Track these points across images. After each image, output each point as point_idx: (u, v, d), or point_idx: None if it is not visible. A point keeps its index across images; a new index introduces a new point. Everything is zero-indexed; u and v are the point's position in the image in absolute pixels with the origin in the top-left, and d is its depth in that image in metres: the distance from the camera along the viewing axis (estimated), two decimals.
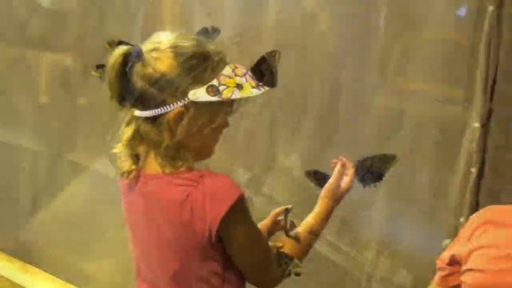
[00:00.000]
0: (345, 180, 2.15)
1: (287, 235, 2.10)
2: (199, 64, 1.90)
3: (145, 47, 1.94)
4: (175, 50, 1.91)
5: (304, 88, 3.18)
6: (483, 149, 2.68)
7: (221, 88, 1.89)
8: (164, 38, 1.94)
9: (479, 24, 2.64)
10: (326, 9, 3.16)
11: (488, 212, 2.45)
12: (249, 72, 1.95)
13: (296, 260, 2.04)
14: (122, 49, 1.92)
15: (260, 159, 3.34)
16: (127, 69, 1.91)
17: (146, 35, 2.00)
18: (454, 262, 2.41)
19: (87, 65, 3.66)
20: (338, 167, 2.15)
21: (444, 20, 2.87)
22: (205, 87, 1.88)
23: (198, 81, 1.89)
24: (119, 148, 2.00)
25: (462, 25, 2.82)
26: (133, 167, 1.99)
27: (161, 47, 1.92)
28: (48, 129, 4.15)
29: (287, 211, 2.16)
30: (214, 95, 1.87)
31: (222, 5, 3.46)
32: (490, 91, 2.63)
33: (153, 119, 1.91)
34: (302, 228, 2.12)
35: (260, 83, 1.94)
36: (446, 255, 2.43)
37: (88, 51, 3.79)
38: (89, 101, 3.85)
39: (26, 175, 4.26)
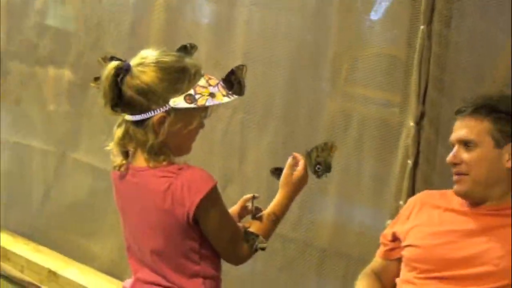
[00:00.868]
0: (297, 169, 2.11)
1: (253, 218, 2.09)
2: (178, 76, 1.93)
3: (133, 62, 1.96)
4: (158, 64, 1.93)
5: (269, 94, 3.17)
6: (417, 144, 2.67)
7: (197, 96, 1.92)
8: (149, 54, 1.97)
9: (412, 41, 2.64)
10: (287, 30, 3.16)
11: (422, 195, 2.48)
12: (221, 83, 1.98)
13: (261, 237, 2.02)
14: (114, 63, 1.94)
15: (233, 155, 3.33)
16: (118, 80, 1.93)
17: (135, 52, 2.02)
18: (395, 238, 2.43)
19: (85, 78, 3.65)
20: (289, 160, 2.12)
21: (384, 37, 2.86)
22: (183, 95, 1.91)
23: (177, 91, 1.92)
24: (112, 146, 2.02)
25: (398, 42, 2.82)
26: (124, 161, 2.01)
27: (146, 62, 1.94)
28: (55, 132, 4.16)
29: (253, 198, 2.16)
30: (191, 103, 1.91)
31: (199, 28, 3.48)
32: (423, 96, 2.63)
33: (140, 122, 1.93)
34: (265, 211, 2.10)
35: (230, 92, 1.97)
36: (388, 232, 2.46)
37: (86, 66, 3.82)
38: (89, 108, 3.83)
39: (37, 170, 4.26)
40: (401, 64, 2.72)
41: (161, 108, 1.91)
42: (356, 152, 2.90)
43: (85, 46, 3.88)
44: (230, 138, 3.31)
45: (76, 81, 3.94)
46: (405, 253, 2.36)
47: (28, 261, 4.00)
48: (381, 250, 2.48)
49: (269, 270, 3.20)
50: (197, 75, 1.95)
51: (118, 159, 2.02)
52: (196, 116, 1.96)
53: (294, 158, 2.12)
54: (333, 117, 2.99)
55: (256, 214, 2.09)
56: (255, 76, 3.08)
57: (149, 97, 1.91)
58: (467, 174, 2.24)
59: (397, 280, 2.38)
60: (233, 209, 2.18)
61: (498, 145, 2.22)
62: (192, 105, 1.90)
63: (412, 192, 2.65)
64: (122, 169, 2.01)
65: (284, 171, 2.11)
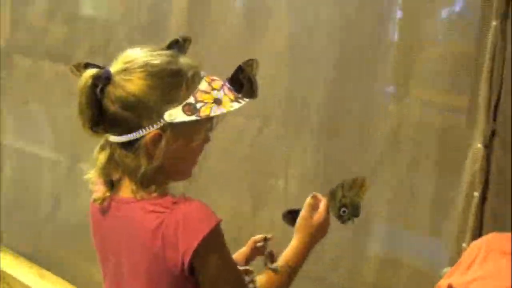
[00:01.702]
0: (318, 211, 1.94)
1: (265, 264, 1.91)
2: (172, 81, 1.71)
3: (115, 67, 1.72)
4: (146, 69, 1.70)
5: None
6: (486, 171, 2.40)
7: (198, 105, 1.69)
8: (134, 57, 1.73)
9: (482, 41, 2.38)
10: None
11: (490, 239, 2.23)
12: (227, 84, 1.75)
13: None
14: (90, 72, 1.70)
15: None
16: (97, 92, 1.70)
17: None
18: None
19: None
20: (308, 200, 1.95)
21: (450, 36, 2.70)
22: (181, 106, 1.68)
23: (173, 100, 1.69)
24: (92, 174, 1.79)
25: (466, 42, 2.62)
26: (107, 193, 1.79)
27: (131, 67, 1.71)
28: (65, 139, 4.05)
29: (266, 239, 2.03)
30: (192, 114, 1.68)
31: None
32: (493, 111, 2.37)
33: (129, 144, 1.71)
34: (279, 260, 1.90)
35: (239, 95, 1.75)
36: (443, 284, 2.18)
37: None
38: None
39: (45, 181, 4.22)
40: (468, 71, 2.49)
41: (154, 125, 1.68)
42: (410, 174, 2.68)
43: (110, 35, 3.72)
44: (258, 154, 3.15)
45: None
46: None
47: None
48: None
49: None
50: (196, 77, 1.71)
51: (100, 191, 1.79)
52: (199, 129, 1.73)
53: (314, 197, 1.95)
54: (387, 129, 2.77)
55: (270, 261, 1.90)
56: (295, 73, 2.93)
57: (139, 111, 1.68)
58: None
59: None
60: (240, 252, 2.02)
61: None
62: (194, 117, 1.67)
63: (479, 233, 2.39)
64: (105, 203, 1.78)
65: (302, 213, 1.93)
